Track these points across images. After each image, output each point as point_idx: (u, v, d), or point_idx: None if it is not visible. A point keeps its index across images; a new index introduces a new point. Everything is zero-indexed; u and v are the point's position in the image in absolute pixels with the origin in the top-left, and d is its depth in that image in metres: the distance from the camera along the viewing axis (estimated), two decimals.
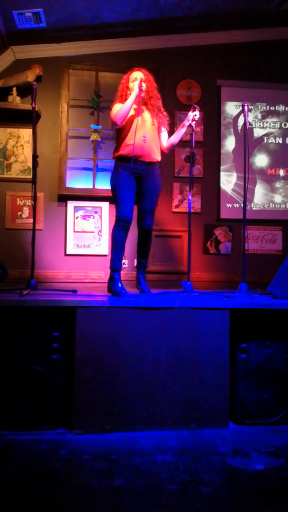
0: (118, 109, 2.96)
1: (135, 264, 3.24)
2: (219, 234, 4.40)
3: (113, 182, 3.05)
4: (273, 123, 4.52)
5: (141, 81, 2.98)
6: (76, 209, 4.22)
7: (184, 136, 3.19)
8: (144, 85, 2.98)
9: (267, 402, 2.62)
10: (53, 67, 4.17)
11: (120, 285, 2.89)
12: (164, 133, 3.17)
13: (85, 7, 3.76)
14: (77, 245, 4.20)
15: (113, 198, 3.10)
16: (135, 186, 3.04)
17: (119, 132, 3.05)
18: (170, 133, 3.22)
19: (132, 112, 2.99)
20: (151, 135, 3.01)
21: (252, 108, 4.48)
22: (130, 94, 3.01)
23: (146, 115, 3.04)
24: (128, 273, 3.86)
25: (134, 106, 2.99)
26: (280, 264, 3.01)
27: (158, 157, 3.08)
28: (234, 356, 2.61)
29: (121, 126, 2.97)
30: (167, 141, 3.17)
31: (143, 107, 3.04)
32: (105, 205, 4.22)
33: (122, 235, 2.99)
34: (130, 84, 3.06)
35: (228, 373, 2.57)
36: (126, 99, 3.01)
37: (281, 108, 4.54)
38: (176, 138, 3.14)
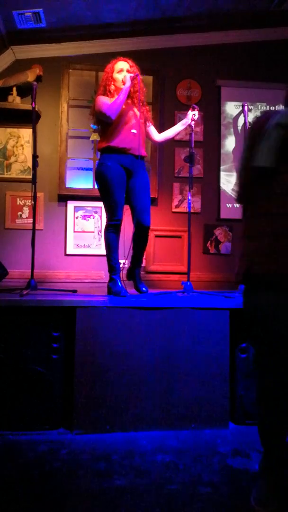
0: (111, 103, 2.83)
1: (130, 262, 3.12)
2: (219, 234, 4.40)
3: (101, 179, 2.89)
4: None
5: (135, 75, 2.90)
6: (76, 209, 4.22)
7: (184, 136, 3.19)
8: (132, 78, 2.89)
9: None
10: (53, 67, 4.17)
11: (120, 284, 2.86)
12: (152, 127, 3.13)
13: (85, 7, 3.76)
14: (77, 245, 4.20)
15: (102, 197, 2.96)
16: (125, 182, 2.92)
17: (107, 124, 2.91)
18: (161, 129, 3.19)
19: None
20: (139, 129, 2.93)
21: (252, 108, 4.48)
22: (115, 85, 2.93)
23: (133, 108, 2.97)
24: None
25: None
26: None
27: (144, 152, 2.99)
28: (234, 356, 2.61)
29: (113, 120, 2.85)
30: (158, 134, 3.14)
31: (129, 101, 2.97)
32: None
33: (116, 238, 2.93)
34: (115, 75, 2.95)
35: (228, 373, 2.57)
36: (110, 91, 2.93)
37: (281, 108, 4.53)
38: (172, 133, 3.12)
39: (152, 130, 3.14)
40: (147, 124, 3.09)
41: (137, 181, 2.96)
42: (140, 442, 2.35)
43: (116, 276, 2.91)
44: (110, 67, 2.98)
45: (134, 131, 2.91)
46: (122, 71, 2.95)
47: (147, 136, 3.13)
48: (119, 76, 2.94)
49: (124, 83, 2.90)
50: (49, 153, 4.17)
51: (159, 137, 3.14)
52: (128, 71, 2.94)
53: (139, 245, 3.05)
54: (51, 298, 2.57)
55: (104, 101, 2.87)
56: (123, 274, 2.98)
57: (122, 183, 2.91)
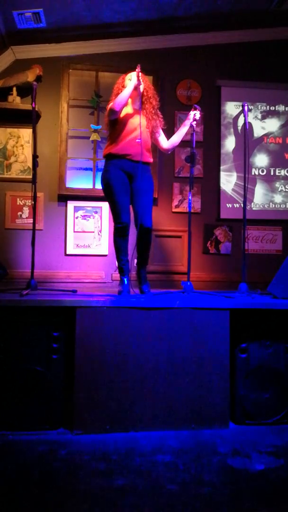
0: (116, 98, 2.89)
1: (135, 264, 3.20)
2: (219, 234, 4.40)
3: (105, 184, 2.99)
4: (273, 123, 4.52)
5: (139, 71, 2.89)
6: (76, 209, 4.22)
7: (185, 136, 3.18)
8: (141, 77, 2.88)
9: (267, 402, 2.62)
10: (53, 67, 4.17)
11: (125, 284, 2.96)
12: (162, 136, 3.15)
13: (85, 7, 3.77)
14: (77, 245, 4.20)
15: (107, 201, 3.06)
16: (128, 185, 2.99)
17: (113, 130, 2.98)
18: (170, 133, 3.22)
19: (128, 111, 2.98)
20: (144, 137, 2.95)
21: (252, 108, 4.48)
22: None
23: (141, 116, 2.95)
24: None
25: (131, 109, 2.98)
26: (280, 264, 3.01)
27: (147, 159, 3.01)
28: (234, 356, 2.61)
29: (118, 115, 2.91)
30: (167, 141, 3.16)
31: (137, 108, 2.97)
32: (105, 205, 4.22)
33: (122, 241, 3.01)
34: (126, 82, 3.00)
35: (228, 373, 2.57)
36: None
37: (281, 108, 4.54)
38: (177, 138, 3.13)
39: (161, 139, 3.16)
40: (157, 132, 3.11)
41: (138, 184, 2.96)
42: (140, 442, 2.35)
43: (123, 277, 3.01)
44: (122, 77, 3.07)
45: (138, 140, 2.91)
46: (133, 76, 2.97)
47: (156, 144, 3.18)
48: (128, 82, 2.98)
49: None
50: (49, 153, 4.17)
51: (166, 144, 3.16)
52: (139, 72, 2.92)
53: (141, 246, 3.08)
54: (51, 298, 2.56)
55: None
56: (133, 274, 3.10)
57: (124, 187, 2.97)
